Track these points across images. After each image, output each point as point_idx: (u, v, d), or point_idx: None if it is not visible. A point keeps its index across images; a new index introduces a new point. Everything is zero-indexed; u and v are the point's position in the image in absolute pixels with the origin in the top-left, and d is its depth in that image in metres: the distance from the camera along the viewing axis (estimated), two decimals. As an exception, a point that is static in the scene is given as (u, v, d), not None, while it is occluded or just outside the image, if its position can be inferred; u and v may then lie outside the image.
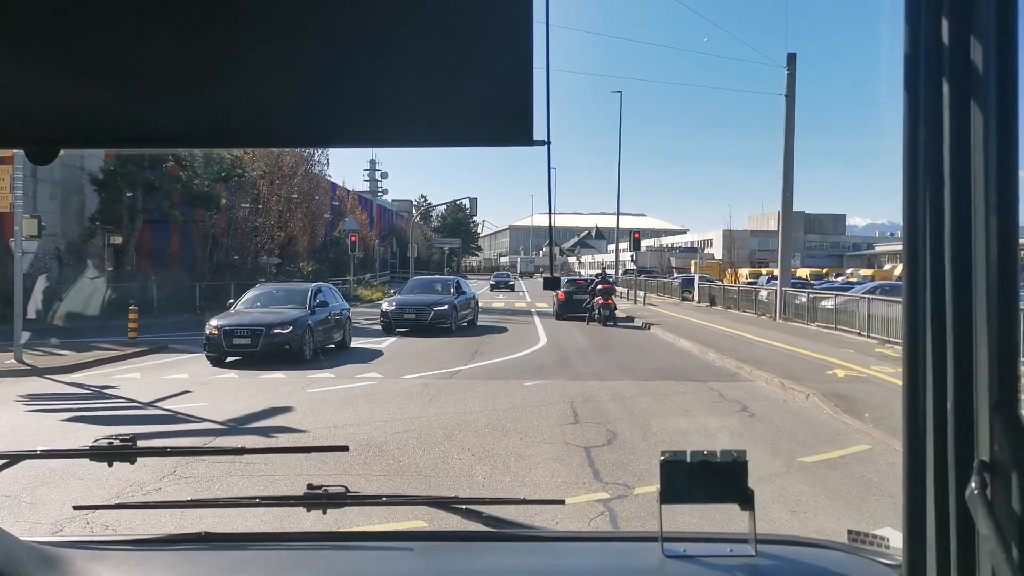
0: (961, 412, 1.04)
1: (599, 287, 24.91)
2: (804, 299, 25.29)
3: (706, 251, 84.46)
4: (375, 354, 16.80)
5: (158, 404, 10.76)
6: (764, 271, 59.09)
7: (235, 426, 9.12)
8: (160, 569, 1.53)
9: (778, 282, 26.99)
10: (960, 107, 1.02)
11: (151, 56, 0.88)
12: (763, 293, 29.92)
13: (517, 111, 0.90)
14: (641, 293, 37.34)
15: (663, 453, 1.49)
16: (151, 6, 0.86)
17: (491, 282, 60.79)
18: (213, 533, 1.66)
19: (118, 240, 30.27)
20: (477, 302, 25.39)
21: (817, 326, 22.90)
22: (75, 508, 2.43)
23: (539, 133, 0.91)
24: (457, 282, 24.68)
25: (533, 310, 32.87)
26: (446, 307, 21.89)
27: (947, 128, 1.04)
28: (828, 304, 23.40)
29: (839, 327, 21.35)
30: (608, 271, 35.93)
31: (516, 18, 0.88)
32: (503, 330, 23.12)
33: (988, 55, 0.98)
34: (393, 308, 21.96)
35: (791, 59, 26.63)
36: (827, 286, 35.08)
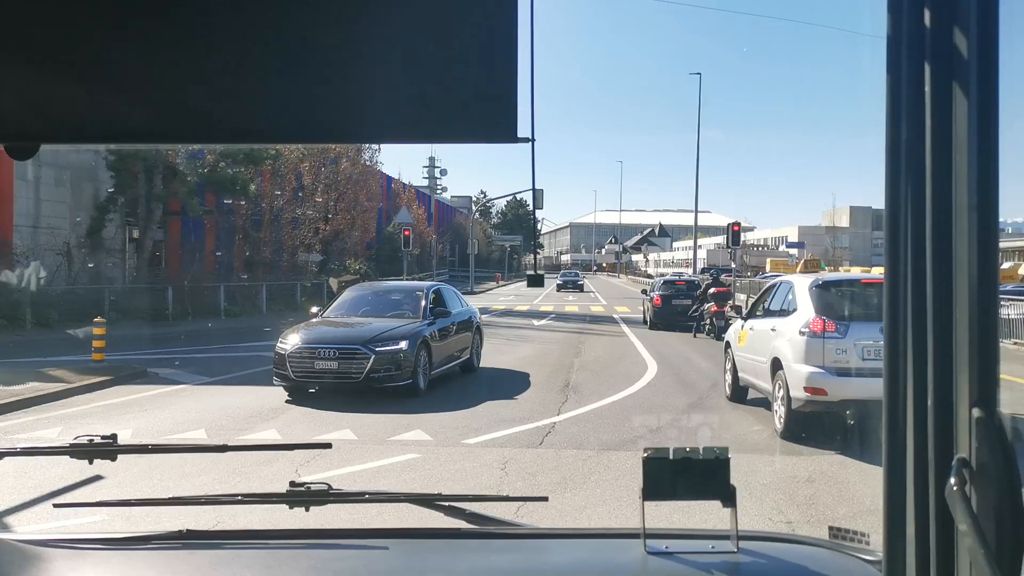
0: (941, 409, 1.02)
1: (711, 291, 19.58)
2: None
3: (780, 248, 79.06)
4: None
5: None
6: (842, 270, 53.68)
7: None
8: (141, 567, 1.55)
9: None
10: (942, 97, 0.99)
11: (131, 51, 0.87)
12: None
13: (500, 106, 0.88)
14: (742, 296, 31.68)
15: (645, 450, 1.50)
16: (130, 1, 0.86)
17: (558, 282, 55.47)
18: (195, 531, 1.65)
19: (138, 234, 26.36)
20: (480, 328, 14.24)
21: (1014, 343, 17.56)
22: (55, 506, 2.07)
23: (524, 130, 0.89)
24: (436, 292, 13.11)
25: (616, 316, 27.70)
26: (402, 345, 10.89)
27: (928, 121, 1.00)
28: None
29: (1013, 341, 17.37)
30: (677, 272, 30.54)
31: (501, 11, 0.87)
32: (586, 348, 18.01)
33: (970, 44, 0.97)
34: (296, 349, 10.85)
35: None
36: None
